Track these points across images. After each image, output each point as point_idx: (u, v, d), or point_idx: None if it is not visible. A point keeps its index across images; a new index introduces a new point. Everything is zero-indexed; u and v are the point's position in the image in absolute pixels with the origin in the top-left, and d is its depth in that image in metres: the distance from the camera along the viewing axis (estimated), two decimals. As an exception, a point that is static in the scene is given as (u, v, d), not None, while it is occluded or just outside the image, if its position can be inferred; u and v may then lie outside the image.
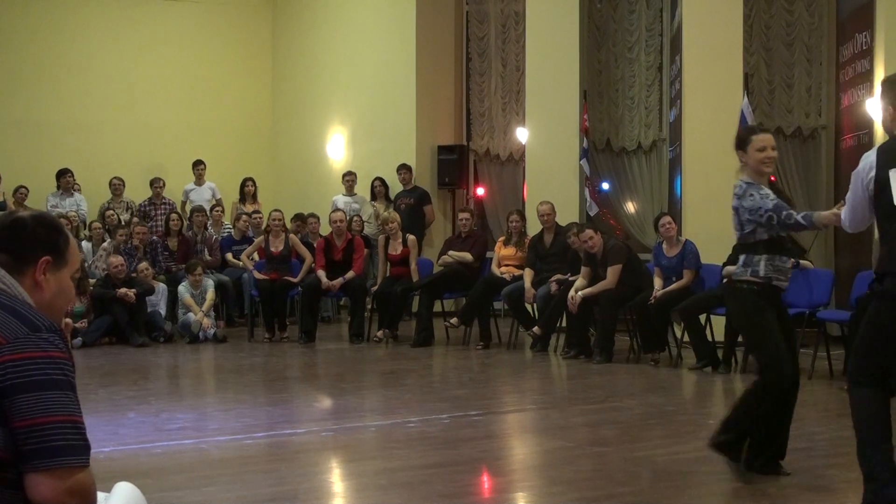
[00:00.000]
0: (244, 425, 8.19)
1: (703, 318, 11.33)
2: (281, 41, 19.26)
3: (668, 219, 11.80)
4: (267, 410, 9.08)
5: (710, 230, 12.32)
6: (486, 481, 6.78)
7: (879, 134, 11.42)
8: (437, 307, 13.66)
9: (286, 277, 13.69)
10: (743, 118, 12.78)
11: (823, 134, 14.38)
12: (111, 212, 15.90)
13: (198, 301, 13.55)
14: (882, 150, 5.49)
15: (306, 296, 13.50)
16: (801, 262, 11.20)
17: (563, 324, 12.33)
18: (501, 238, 13.59)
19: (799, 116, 14.30)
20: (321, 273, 13.48)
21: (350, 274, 13.49)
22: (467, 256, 13.36)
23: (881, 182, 5.37)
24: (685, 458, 7.06)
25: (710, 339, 11.30)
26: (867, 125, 11.81)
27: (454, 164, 16.43)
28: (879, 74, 11.51)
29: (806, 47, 14.56)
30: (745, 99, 12.90)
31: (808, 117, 14.41)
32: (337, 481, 6.86)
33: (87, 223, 16.18)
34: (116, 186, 16.75)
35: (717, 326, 11.33)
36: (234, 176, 17.31)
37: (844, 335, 10.10)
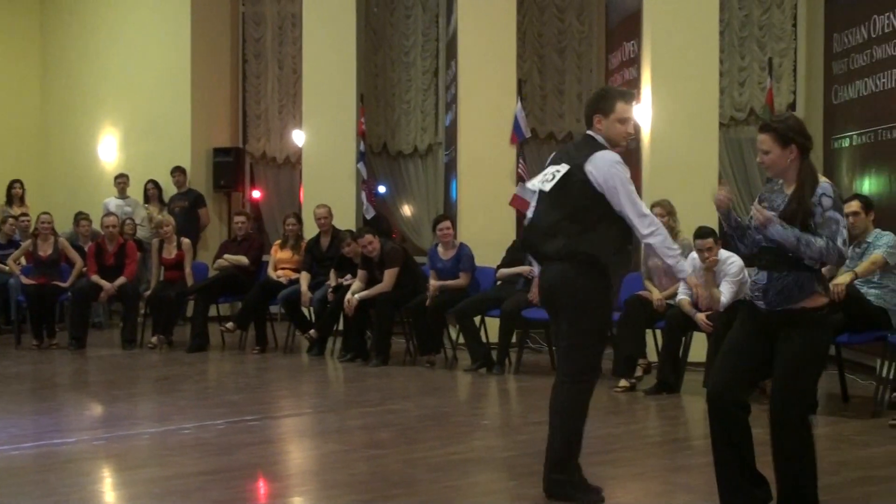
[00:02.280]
0: (10, 435, 7.91)
1: (477, 319, 11.51)
2: (51, 38, 18.63)
3: (447, 223, 11.93)
4: (34, 420, 8.80)
5: (485, 233, 12.56)
6: (262, 487, 6.73)
7: (647, 140, 11.82)
8: (213, 311, 13.49)
9: (55, 282, 13.30)
10: (516, 123, 13.05)
11: (594, 139, 14.75)
12: None
13: (-39, 307, 13.04)
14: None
15: (76, 301, 13.13)
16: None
17: (340, 327, 12.35)
18: (278, 241, 13.50)
19: (570, 122, 14.68)
20: (97, 278, 13.16)
21: (121, 279, 13.20)
22: (243, 260, 13.23)
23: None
24: (460, 459, 7.15)
25: (484, 340, 11.48)
26: (635, 130, 12.16)
27: (230, 166, 16.25)
28: (646, 81, 11.90)
29: (577, 55, 14.99)
30: (519, 104, 13.16)
31: (580, 122, 14.77)
32: (108, 491, 6.70)
33: None
34: None
35: (492, 328, 11.52)
36: (1, 177, 16.69)
37: (613, 335, 10.39)
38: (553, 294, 6.10)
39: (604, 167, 5.86)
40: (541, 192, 6.10)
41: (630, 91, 6.37)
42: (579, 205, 5.92)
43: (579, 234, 5.91)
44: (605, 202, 5.88)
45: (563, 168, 5.98)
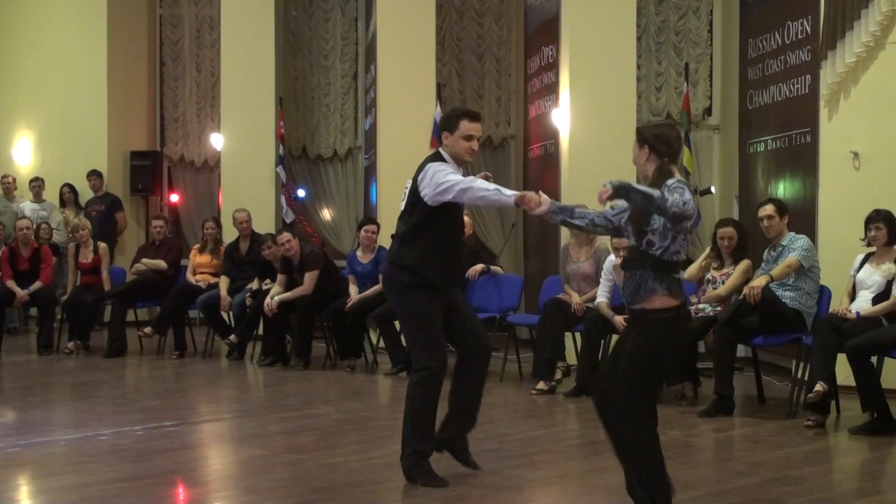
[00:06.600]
0: (-77, 444, 7.79)
1: (398, 323, 11.49)
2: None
3: (373, 226, 11.94)
4: (-52, 427, 8.66)
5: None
6: (181, 493, 6.68)
7: (565, 144, 11.90)
8: (131, 316, 13.37)
9: (-32, 288, 13.11)
10: (436, 127, 13.06)
11: (513, 143, 14.91)
12: None
13: None
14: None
15: (-10, 307, 12.95)
16: (492, 267, 11.56)
17: (260, 331, 12.29)
18: (196, 245, 13.42)
19: (489, 126, 14.73)
20: (12, 284, 12.97)
21: (37, 284, 13.03)
22: (161, 264, 13.12)
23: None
24: (380, 463, 7.15)
25: (404, 344, 11.48)
26: (553, 135, 12.26)
27: (147, 170, 16.12)
28: (564, 86, 11.98)
29: (496, 59, 15.06)
30: (438, 108, 13.19)
31: (498, 127, 14.89)
32: (24, 499, 6.60)
33: None
34: None
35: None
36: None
37: (533, 338, 10.45)
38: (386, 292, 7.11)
39: (429, 174, 6.32)
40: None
41: (475, 111, 6.69)
42: (413, 217, 6.48)
43: (404, 242, 6.57)
44: (428, 212, 6.37)
45: (409, 183, 6.50)
